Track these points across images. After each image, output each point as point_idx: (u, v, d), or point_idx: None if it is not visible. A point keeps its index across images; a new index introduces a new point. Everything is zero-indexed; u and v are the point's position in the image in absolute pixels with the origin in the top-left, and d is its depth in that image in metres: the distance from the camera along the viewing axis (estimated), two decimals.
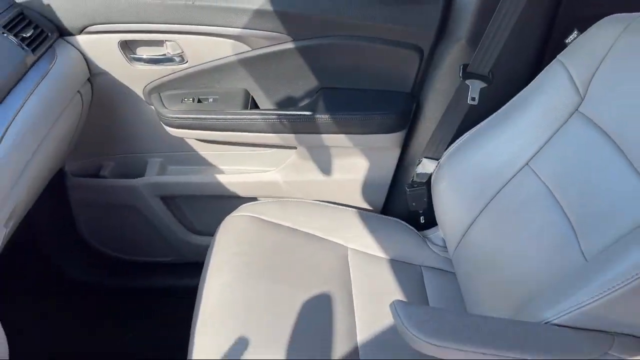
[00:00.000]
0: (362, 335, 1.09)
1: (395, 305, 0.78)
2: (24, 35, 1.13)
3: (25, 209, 1.17)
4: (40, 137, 1.11)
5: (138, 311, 1.58)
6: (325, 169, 1.49)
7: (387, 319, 1.13)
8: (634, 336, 0.80)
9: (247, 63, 1.35)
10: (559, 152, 1.09)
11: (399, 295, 1.20)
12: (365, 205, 1.53)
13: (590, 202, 0.96)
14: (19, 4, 1.21)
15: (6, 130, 0.99)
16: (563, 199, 1.01)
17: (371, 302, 1.17)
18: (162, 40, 1.32)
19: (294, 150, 1.48)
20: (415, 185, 1.39)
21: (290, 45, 1.32)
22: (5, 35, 1.09)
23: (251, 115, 1.36)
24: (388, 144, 1.42)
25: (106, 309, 1.59)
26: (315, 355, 1.02)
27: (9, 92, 1.05)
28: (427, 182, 1.38)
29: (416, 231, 1.42)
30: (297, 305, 1.10)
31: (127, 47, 1.33)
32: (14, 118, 1.03)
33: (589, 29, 1.12)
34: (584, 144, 1.04)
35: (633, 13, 1.06)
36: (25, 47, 1.11)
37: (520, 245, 1.04)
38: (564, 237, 0.95)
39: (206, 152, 1.52)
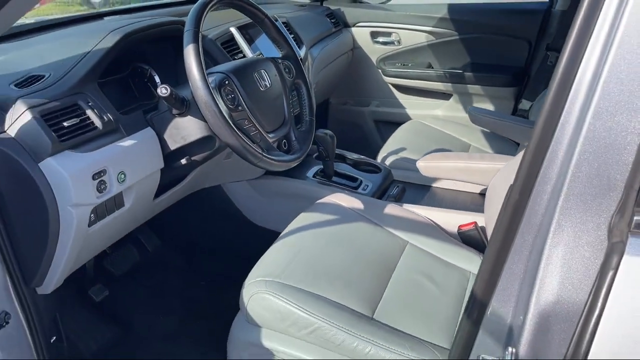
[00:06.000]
0: None
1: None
2: (332, 21, 2.52)
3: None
4: (325, 65, 2.44)
5: None
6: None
7: None
8: None
9: (432, 46, 2.56)
10: None
11: None
12: None
13: None
14: (331, 9, 2.62)
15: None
16: None
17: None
18: (390, 32, 2.62)
19: (450, 99, 2.60)
20: (519, 116, 2.38)
21: (456, 37, 2.49)
22: (326, 17, 2.50)
23: (429, 71, 2.55)
24: (507, 95, 2.46)
25: None
26: None
27: (320, 41, 2.41)
28: (527, 116, 2.36)
29: None
30: None
31: (373, 35, 2.65)
32: (319, 53, 2.36)
33: None
34: None
35: None
36: (332, 25, 2.50)
37: None
38: None
39: (402, 100, 2.73)
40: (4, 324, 1.17)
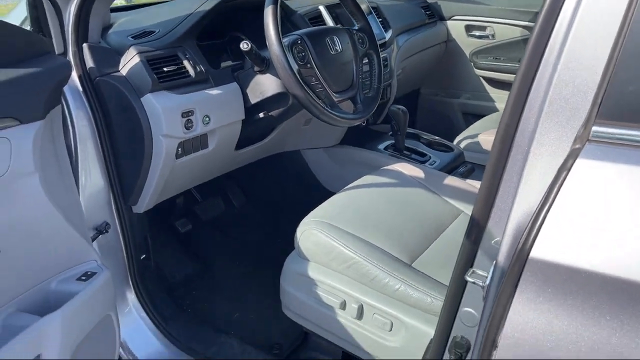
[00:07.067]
0: None
1: None
2: (427, 13, 2.62)
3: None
4: (411, 53, 2.53)
5: None
6: None
7: None
8: None
9: (526, 41, 2.53)
10: None
11: None
12: None
13: None
14: (427, 2, 2.72)
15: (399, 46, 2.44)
16: None
17: None
18: (485, 26, 2.65)
19: None
20: None
21: None
22: (421, 9, 2.60)
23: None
24: None
25: None
26: None
27: (409, 30, 2.50)
28: None
29: None
30: None
31: (468, 28, 2.70)
32: (406, 41, 2.46)
33: None
34: None
35: None
36: (426, 16, 2.60)
37: None
38: None
39: (492, 93, 2.75)
40: (104, 231, 1.44)
